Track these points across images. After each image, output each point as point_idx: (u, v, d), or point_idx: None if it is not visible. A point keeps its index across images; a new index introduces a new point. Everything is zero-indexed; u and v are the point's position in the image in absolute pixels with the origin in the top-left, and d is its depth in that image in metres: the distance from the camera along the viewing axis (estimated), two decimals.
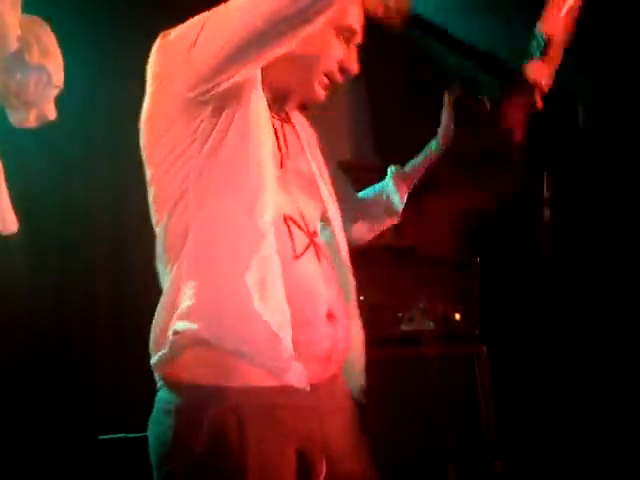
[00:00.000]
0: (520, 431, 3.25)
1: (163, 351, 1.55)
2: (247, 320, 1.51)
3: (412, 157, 2.08)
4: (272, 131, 1.64)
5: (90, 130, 3.02)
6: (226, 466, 1.49)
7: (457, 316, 3.13)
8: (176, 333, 1.53)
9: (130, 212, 2.59)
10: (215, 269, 1.54)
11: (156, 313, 1.60)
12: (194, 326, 1.52)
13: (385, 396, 2.74)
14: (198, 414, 1.50)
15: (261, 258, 1.52)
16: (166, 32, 1.61)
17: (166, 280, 1.60)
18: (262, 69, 1.58)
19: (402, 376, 2.89)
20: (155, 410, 1.58)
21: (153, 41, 1.61)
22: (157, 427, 1.56)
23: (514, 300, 3.66)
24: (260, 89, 1.61)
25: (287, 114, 1.76)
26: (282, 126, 1.72)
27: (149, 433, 1.58)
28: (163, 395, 1.57)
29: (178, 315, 1.54)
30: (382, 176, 2.03)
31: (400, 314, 3.01)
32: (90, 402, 2.90)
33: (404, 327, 3.00)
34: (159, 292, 1.63)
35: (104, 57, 2.92)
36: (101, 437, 2.72)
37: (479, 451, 3.01)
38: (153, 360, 1.59)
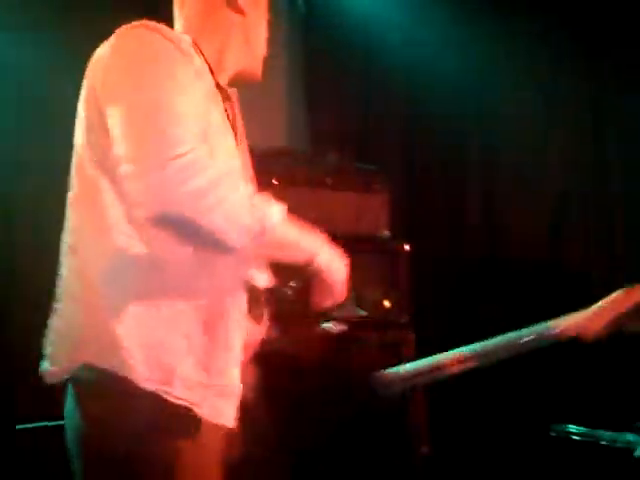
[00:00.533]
0: (448, 417, 3.30)
1: (81, 375, 1.48)
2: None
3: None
4: (233, 138, 1.63)
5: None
6: (148, 453, 1.46)
7: (387, 303, 3.14)
8: (104, 371, 1.46)
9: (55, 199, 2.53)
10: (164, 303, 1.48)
11: (72, 317, 1.52)
12: (134, 373, 1.45)
13: (316, 379, 2.74)
14: (122, 402, 1.45)
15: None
16: (123, 33, 1.53)
17: (90, 285, 1.51)
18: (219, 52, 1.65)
19: (334, 361, 2.88)
20: (72, 395, 1.52)
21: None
22: (76, 413, 1.50)
23: (443, 289, 3.71)
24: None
25: (228, 93, 1.72)
26: (230, 107, 1.69)
27: (67, 420, 1.53)
28: (80, 379, 1.50)
29: (108, 347, 1.45)
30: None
31: None
32: (6, 392, 2.81)
33: (335, 313, 2.98)
34: None
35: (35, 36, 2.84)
36: (19, 427, 2.64)
37: (407, 436, 3.03)
38: (64, 367, 1.51)
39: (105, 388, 1.46)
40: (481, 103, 3.85)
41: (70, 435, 1.52)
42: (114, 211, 1.48)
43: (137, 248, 1.46)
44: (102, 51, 1.54)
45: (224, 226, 1.40)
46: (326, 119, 3.75)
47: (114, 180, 1.46)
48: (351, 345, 2.84)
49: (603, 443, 2.22)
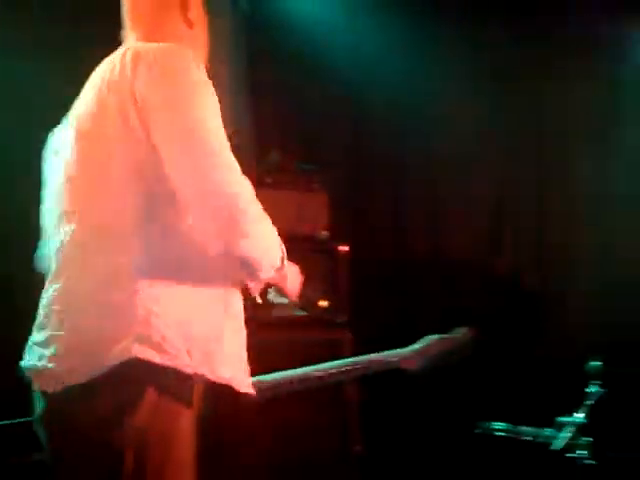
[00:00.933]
0: (383, 417, 3.36)
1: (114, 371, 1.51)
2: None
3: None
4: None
5: None
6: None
7: (325, 303, 3.18)
8: (141, 362, 1.51)
9: None
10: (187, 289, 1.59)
11: (91, 316, 1.55)
12: (183, 361, 1.55)
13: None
14: (161, 387, 1.54)
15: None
16: (170, 53, 1.60)
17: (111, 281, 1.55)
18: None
19: (271, 360, 2.90)
20: (117, 389, 1.53)
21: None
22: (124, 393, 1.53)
23: (381, 288, 3.77)
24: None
25: None
26: None
27: (107, 398, 1.53)
28: (121, 373, 1.52)
29: (150, 342, 1.52)
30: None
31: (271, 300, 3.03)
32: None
33: (275, 313, 3.01)
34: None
35: None
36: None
37: (341, 435, 3.07)
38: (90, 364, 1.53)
39: (148, 379, 1.53)
40: (424, 105, 3.91)
41: (106, 425, 1.53)
42: (145, 212, 1.56)
43: (167, 249, 1.57)
44: (139, 65, 1.57)
45: (261, 262, 1.61)
46: (269, 118, 3.78)
47: (147, 181, 1.55)
48: None
49: (526, 439, 2.31)
